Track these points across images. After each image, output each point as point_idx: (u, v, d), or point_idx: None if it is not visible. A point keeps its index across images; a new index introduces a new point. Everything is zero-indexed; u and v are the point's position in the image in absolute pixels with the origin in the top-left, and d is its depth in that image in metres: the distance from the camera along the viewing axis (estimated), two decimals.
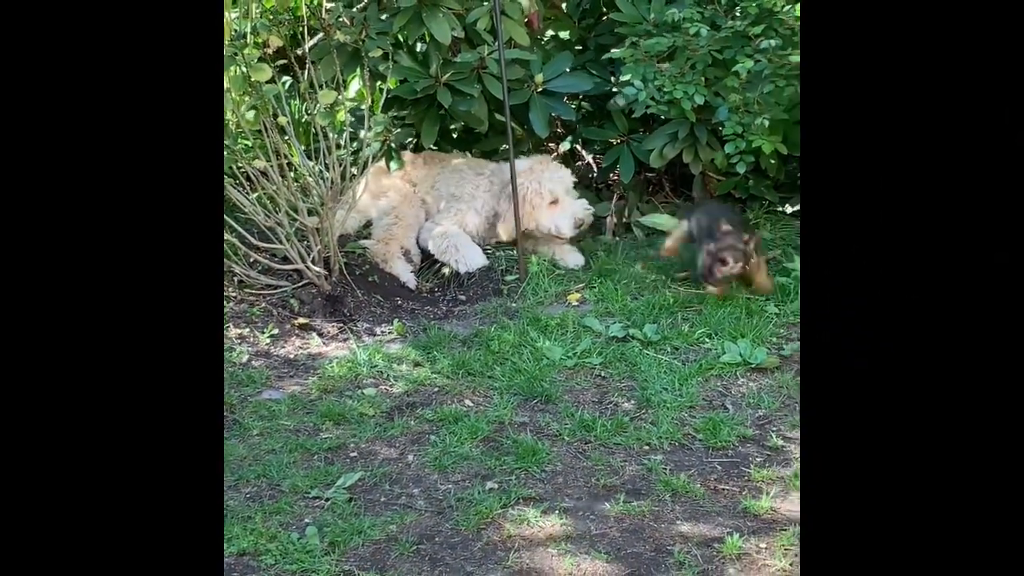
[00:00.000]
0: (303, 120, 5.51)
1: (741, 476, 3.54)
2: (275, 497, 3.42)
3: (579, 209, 5.22)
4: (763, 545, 3.17)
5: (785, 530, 3.22)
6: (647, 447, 3.70)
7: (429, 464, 3.61)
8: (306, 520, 3.30)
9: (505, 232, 5.21)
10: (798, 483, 3.44)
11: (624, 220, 5.61)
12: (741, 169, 4.96)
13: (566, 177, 5.28)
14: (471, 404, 4.00)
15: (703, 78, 4.90)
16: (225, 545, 3.11)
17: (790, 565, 3.08)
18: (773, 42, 4.66)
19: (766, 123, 4.72)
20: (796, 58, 4.59)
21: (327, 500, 3.40)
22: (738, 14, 4.94)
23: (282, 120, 4.58)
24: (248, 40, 4.39)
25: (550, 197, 5.16)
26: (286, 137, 4.71)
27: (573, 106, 5.81)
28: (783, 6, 4.76)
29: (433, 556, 3.15)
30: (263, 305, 4.68)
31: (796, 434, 3.77)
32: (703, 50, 4.82)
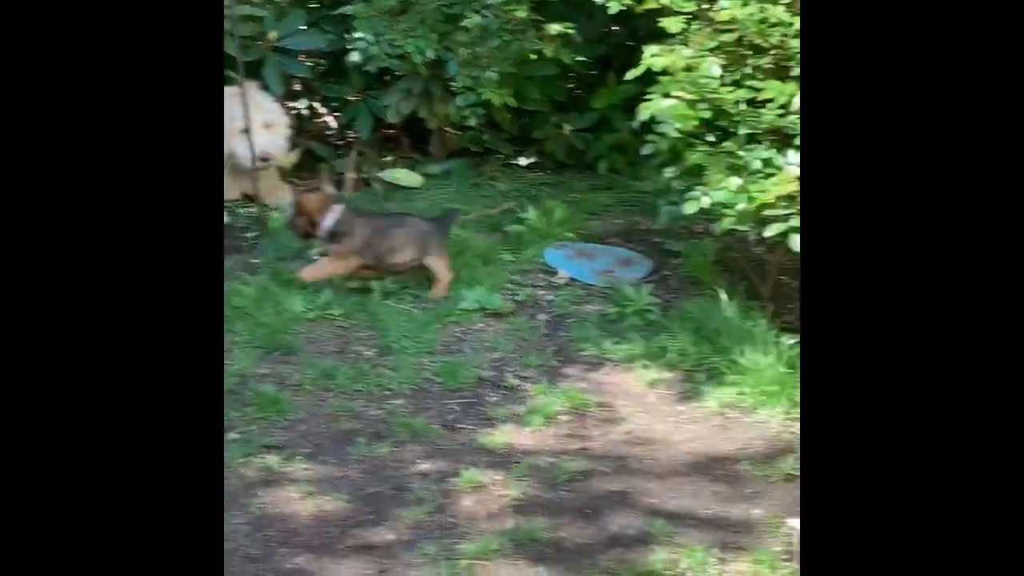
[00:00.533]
0: None
1: (478, 415, 3.69)
2: None
3: (266, 143, 5.15)
4: (498, 477, 3.33)
5: (518, 463, 3.39)
6: (388, 392, 3.81)
7: None
8: None
9: None
10: (532, 419, 3.62)
11: (364, 176, 5.66)
12: (472, 122, 5.10)
13: (267, 108, 5.21)
14: None
15: (433, 33, 5.00)
16: None
17: (523, 493, 3.24)
18: None
19: (494, 76, 4.86)
20: (521, 13, 4.75)
21: None
22: None
23: None
24: None
25: (239, 125, 5.08)
26: None
27: (309, 64, 5.82)
28: None
29: None
30: None
31: (531, 373, 3.95)
32: (432, 5, 4.92)
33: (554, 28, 5.00)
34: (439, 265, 4.51)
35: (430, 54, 4.94)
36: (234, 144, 5.05)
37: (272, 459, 3.39)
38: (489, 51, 4.83)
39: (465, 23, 4.79)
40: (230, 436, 3.50)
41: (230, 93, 5.01)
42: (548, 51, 5.01)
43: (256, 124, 5.09)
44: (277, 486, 3.28)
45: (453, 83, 5.15)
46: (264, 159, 5.14)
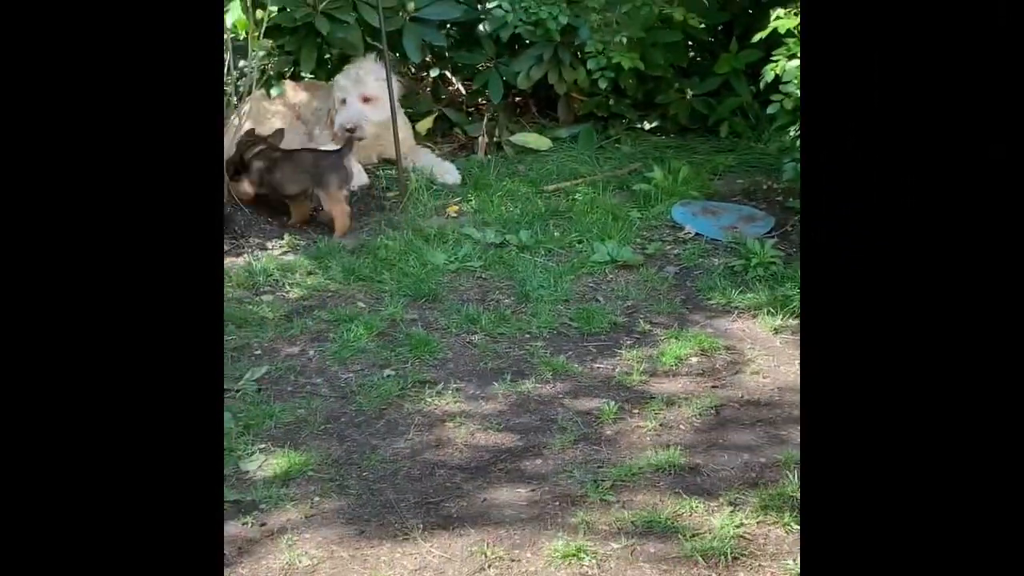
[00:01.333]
0: None
1: (614, 356, 3.93)
2: None
3: (356, 115, 5.37)
4: (636, 411, 3.57)
5: (654, 398, 3.63)
6: (528, 335, 4.07)
7: (330, 357, 3.92)
8: None
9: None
10: (664, 360, 3.85)
11: (495, 140, 5.93)
12: (603, 84, 5.34)
13: (366, 80, 5.41)
14: (364, 305, 4.30)
15: (565, 0, 5.25)
16: None
17: (660, 426, 3.48)
18: None
19: (624, 40, 5.09)
20: None
21: (238, 391, 3.69)
22: None
23: None
24: None
25: (340, 95, 5.41)
26: None
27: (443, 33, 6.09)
28: None
29: (340, 434, 3.47)
30: None
31: (662, 320, 4.18)
32: None
33: None
34: (330, 202, 4.94)
35: (563, 20, 5.18)
36: (335, 114, 5.39)
37: (426, 392, 3.67)
38: (620, 16, 5.06)
39: None
40: (386, 373, 3.80)
41: (349, 67, 5.44)
42: (677, 15, 5.22)
43: (354, 96, 5.38)
44: (431, 416, 3.56)
45: (582, 49, 5.38)
46: (350, 130, 5.37)
